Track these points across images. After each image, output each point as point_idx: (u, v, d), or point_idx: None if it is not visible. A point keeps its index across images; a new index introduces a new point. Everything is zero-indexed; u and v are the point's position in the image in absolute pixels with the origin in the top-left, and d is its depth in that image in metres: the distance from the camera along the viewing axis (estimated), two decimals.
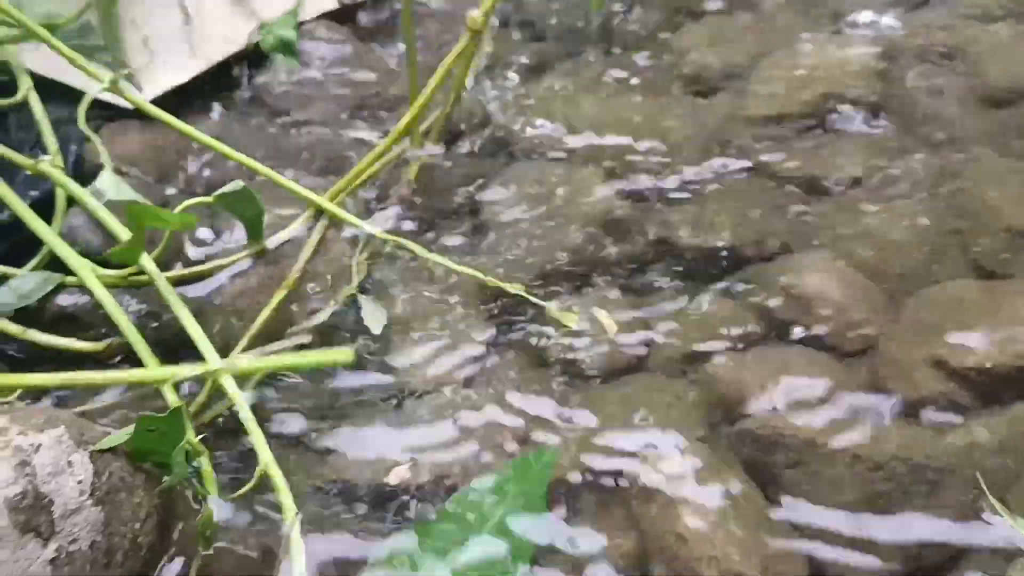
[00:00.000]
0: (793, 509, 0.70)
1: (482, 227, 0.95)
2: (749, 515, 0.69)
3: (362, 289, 0.89)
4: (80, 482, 0.62)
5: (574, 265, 0.91)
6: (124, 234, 0.86)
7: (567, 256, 0.91)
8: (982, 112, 0.98)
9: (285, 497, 0.68)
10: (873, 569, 0.67)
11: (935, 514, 0.68)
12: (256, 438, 0.73)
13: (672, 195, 0.96)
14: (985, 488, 0.68)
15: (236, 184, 0.84)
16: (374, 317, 0.84)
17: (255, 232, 0.90)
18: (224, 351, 0.84)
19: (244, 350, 0.84)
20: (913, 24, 1.10)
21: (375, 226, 0.91)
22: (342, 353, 0.77)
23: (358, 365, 0.83)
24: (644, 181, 0.97)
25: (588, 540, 0.71)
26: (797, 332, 0.83)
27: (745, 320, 0.85)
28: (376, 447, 0.77)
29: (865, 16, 1.12)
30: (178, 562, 0.68)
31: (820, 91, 1.02)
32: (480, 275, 0.86)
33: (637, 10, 1.20)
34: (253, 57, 1.16)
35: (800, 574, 0.67)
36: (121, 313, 0.81)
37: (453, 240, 0.95)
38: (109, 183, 0.88)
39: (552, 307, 0.85)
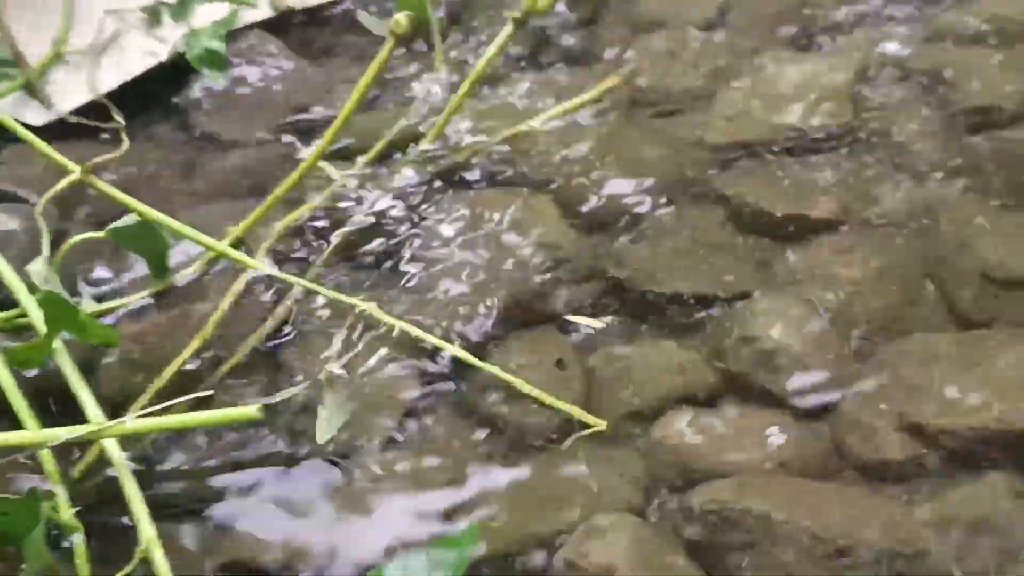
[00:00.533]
0: None
1: (417, 265, 0.87)
2: None
3: (279, 338, 0.80)
4: None
5: (517, 309, 0.82)
6: (8, 275, 0.77)
7: (509, 299, 0.82)
8: (962, 141, 0.90)
9: None
10: None
11: None
12: (139, 511, 0.64)
13: (627, 230, 0.88)
14: None
15: (131, 218, 0.76)
16: (328, 422, 0.73)
17: (158, 269, 0.81)
18: (122, 403, 0.76)
19: (146, 406, 0.75)
20: (889, 44, 1.02)
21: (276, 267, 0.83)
22: (248, 410, 0.68)
23: (267, 423, 0.74)
24: (595, 213, 0.89)
25: None
26: (755, 388, 0.75)
27: (699, 373, 0.77)
28: (282, 523, 0.68)
29: (838, 35, 1.05)
30: None
31: (788, 116, 0.94)
32: (410, 327, 0.77)
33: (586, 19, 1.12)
34: (177, 70, 1.07)
35: None
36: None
37: (384, 281, 0.86)
38: (39, 271, 0.78)
39: (488, 365, 0.76)
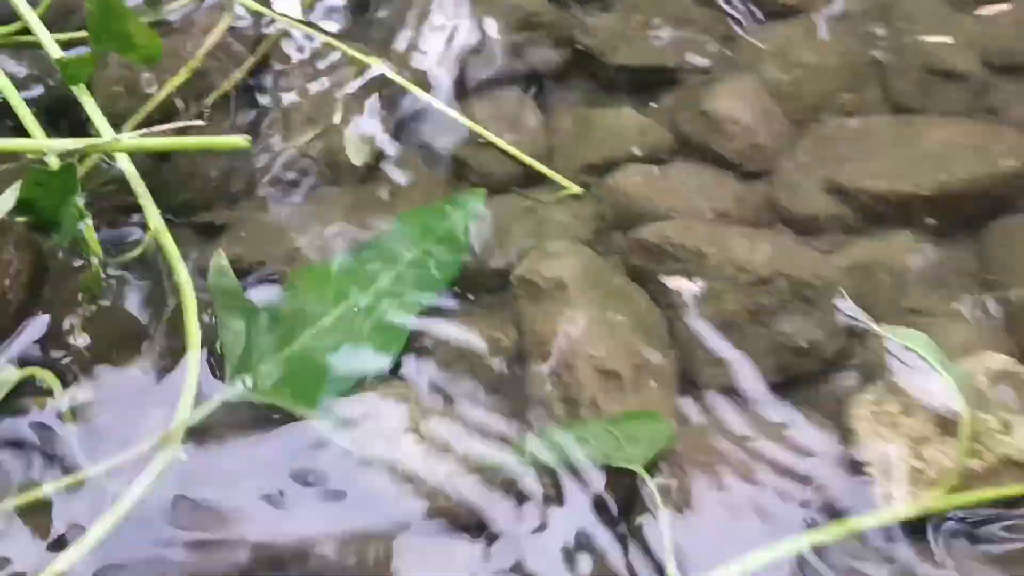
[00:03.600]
0: (671, 314, 0.71)
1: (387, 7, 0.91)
2: (627, 317, 0.70)
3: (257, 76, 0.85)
4: None
5: (488, 68, 0.88)
6: None
7: (479, 60, 0.88)
8: None
9: (176, 263, 0.67)
10: (747, 376, 0.69)
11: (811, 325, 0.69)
12: (147, 206, 0.71)
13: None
14: (851, 302, 0.70)
15: None
16: (357, 150, 0.80)
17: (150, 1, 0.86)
18: (112, 124, 0.80)
19: (135, 128, 0.81)
20: None
21: None
22: (237, 139, 0.73)
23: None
24: None
25: (469, 335, 0.71)
26: (706, 151, 0.82)
27: (656, 135, 0.83)
28: (279, 226, 0.75)
29: None
30: (44, 319, 0.67)
31: None
32: (396, 76, 0.82)
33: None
34: None
35: (671, 378, 0.69)
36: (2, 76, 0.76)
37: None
38: None
39: (460, 115, 0.82)
